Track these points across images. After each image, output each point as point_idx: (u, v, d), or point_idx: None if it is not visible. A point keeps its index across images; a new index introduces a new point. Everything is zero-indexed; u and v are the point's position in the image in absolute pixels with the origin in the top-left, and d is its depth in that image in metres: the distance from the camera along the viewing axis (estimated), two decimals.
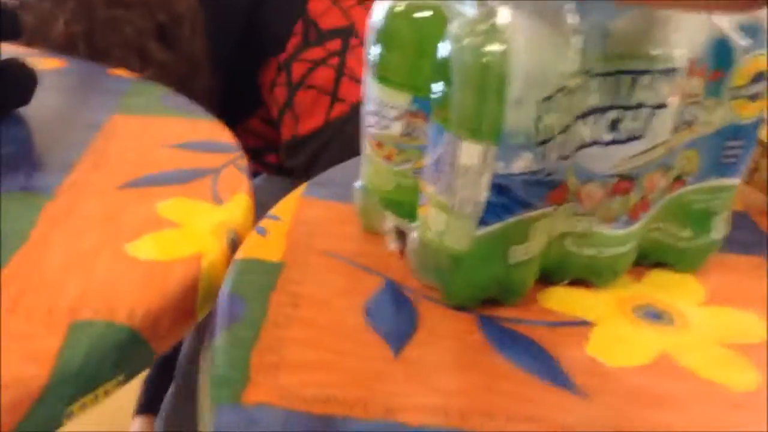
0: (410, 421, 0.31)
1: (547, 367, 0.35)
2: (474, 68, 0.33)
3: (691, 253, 0.44)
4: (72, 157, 0.50)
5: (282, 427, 0.30)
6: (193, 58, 0.84)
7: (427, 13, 0.38)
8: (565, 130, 0.35)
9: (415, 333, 0.36)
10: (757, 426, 0.33)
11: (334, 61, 0.84)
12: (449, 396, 0.33)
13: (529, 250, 0.37)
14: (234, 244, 0.43)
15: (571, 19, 0.34)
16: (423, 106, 0.39)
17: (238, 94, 0.92)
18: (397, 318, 0.37)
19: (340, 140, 0.84)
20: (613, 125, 0.37)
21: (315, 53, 0.84)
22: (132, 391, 1.18)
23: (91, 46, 0.78)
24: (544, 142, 0.34)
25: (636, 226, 0.40)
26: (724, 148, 0.41)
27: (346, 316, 0.37)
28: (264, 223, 0.45)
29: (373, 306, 0.38)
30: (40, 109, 0.58)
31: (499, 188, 0.35)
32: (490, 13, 0.33)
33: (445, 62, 0.34)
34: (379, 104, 0.41)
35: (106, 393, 0.34)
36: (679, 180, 0.41)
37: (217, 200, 0.47)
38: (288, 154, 0.89)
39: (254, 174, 1.06)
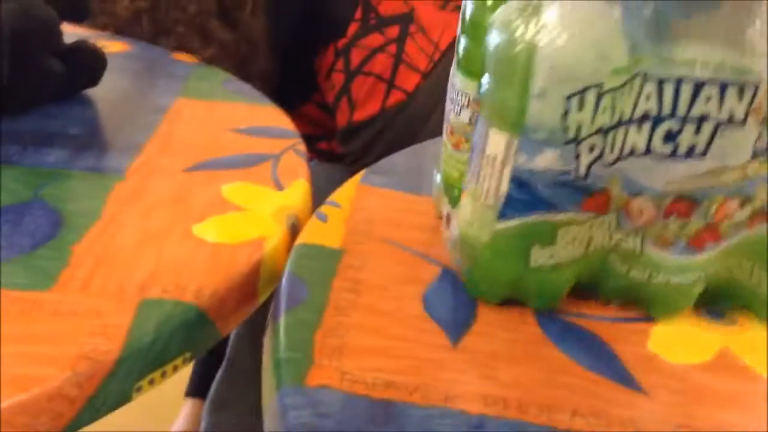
0: (469, 409, 0.31)
1: (606, 362, 0.35)
2: (502, 56, 0.32)
3: None
4: (139, 140, 0.52)
5: (342, 409, 0.30)
6: (252, 40, 0.86)
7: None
8: (607, 132, 0.33)
9: (473, 323, 0.37)
10: None
11: (393, 48, 0.84)
12: (508, 387, 0.33)
13: (555, 255, 0.35)
14: (294, 229, 0.44)
15: (620, 11, 0.32)
16: None
17: (295, 79, 0.93)
18: (455, 307, 0.38)
19: (394, 128, 0.85)
20: (670, 137, 0.33)
21: (374, 40, 0.85)
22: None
23: (154, 22, 0.80)
24: (573, 141, 0.32)
25: (700, 257, 0.36)
26: None
27: (405, 304, 0.37)
28: (324, 209, 0.45)
29: (432, 295, 0.38)
30: (106, 92, 0.60)
31: (519, 182, 0.34)
32: (530, 3, 0.32)
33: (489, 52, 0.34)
34: (456, 91, 0.41)
35: (175, 369, 0.35)
36: (762, 214, 0.36)
37: (278, 185, 0.48)
38: (343, 140, 0.90)
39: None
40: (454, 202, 0.41)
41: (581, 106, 0.32)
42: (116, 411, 0.33)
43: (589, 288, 0.38)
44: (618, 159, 0.34)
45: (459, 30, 0.41)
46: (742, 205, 0.35)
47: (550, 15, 0.32)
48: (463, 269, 0.38)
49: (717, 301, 0.39)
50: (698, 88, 0.32)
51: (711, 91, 0.32)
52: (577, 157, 0.33)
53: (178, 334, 0.35)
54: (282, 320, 0.35)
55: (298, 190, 0.47)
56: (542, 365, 0.34)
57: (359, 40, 0.85)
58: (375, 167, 0.52)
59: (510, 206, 0.34)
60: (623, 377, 0.34)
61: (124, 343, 0.33)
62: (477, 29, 0.38)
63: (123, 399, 0.33)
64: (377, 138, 0.86)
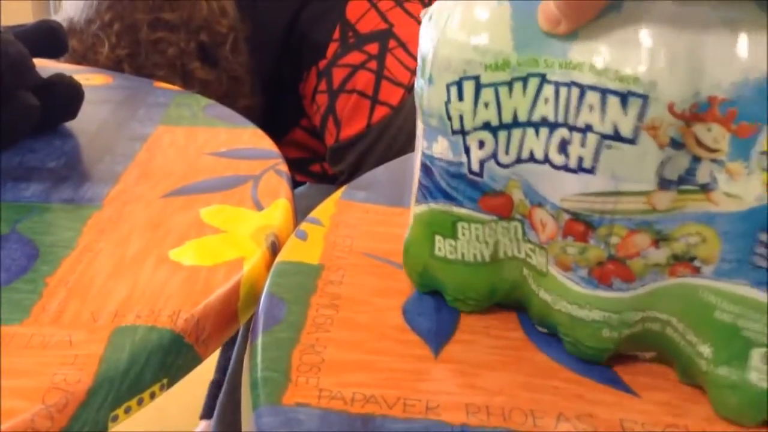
0: (451, 420, 0.31)
1: (593, 364, 0.34)
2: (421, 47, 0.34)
3: (717, 386, 0.31)
4: (118, 169, 0.52)
5: (319, 427, 0.30)
6: (234, 76, 0.86)
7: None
8: (497, 130, 0.32)
9: (455, 332, 0.36)
10: None
11: (373, 64, 0.84)
12: (491, 395, 0.32)
13: (457, 250, 0.35)
14: (275, 248, 0.43)
15: (510, 9, 0.31)
16: None
17: (281, 107, 0.93)
18: (436, 317, 0.37)
19: (383, 143, 0.84)
20: (563, 146, 0.31)
21: (354, 57, 0.85)
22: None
23: (135, 67, 0.80)
24: (459, 132, 0.33)
25: (608, 294, 0.32)
26: (757, 242, 0.29)
27: (385, 317, 0.37)
28: (303, 226, 0.45)
29: (412, 306, 0.38)
30: (87, 123, 0.59)
31: (425, 168, 0.35)
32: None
33: None
34: None
35: (152, 396, 0.35)
36: (687, 263, 0.31)
37: (258, 206, 0.47)
38: (333, 160, 0.89)
39: (300, 183, 1.06)
40: None
41: (460, 96, 0.32)
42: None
43: (510, 298, 0.37)
44: (517, 162, 0.33)
45: None
46: (656, 244, 0.31)
47: (455, 11, 0.32)
48: None
49: (660, 358, 0.34)
50: (583, 93, 0.30)
51: (593, 98, 0.29)
52: (467, 150, 0.33)
53: (154, 360, 0.34)
54: (259, 340, 0.34)
55: (278, 210, 0.47)
56: (527, 370, 0.34)
57: (340, 60, 0.85)
58: (356, 182, 0.51)
59: (420, 192, 0.35)
60: (610, 379, 0.33)
61: (97, 371, 0.32)
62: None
63: (98, 429, 0.32)
64: (367, 154, 0.85)
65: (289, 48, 0.89)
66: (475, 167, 0.33)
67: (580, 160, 0.30)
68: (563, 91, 0.30)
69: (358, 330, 0.36)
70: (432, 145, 0.34)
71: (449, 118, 0.33)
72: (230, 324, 0.39)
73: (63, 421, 0.31)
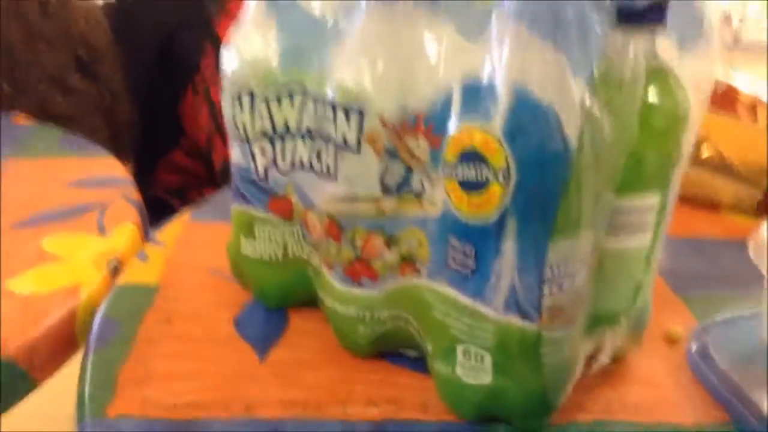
0: (269, 416, 0.33)
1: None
2: None
3: (437, 378, 0.33)
4: None
5: None
6: (114, 90, 0.86)
7: None
8: (273, 140, 0.36)
9: (281, 336, 0.38)
10: None
11: None
12: (309, 390, 0.35)
13: (257, 249, 0.38)
14: (117, 273, 0.45)
15: (275, 30, 0.35)
16: None
17: (161, 125, 0.94)
18: (266, 324, 0.39)
19: None
20: (318, 155, 0.34)
21: None
22: None
23: (14, 83, 0.79)
24: (246, 141, 0.36)
25: (360, 292, 0.35)
26: (450, 246, 0.30)
27: (217, 328, 0.39)
28: (146, 248, 0.46)
29: (245, 316, 0.40)
30: None
31: (233, 174, 0.38)
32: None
33: None
34: None
35: None
36: (411, 263, 0.33)
37: (102, 232, 0.48)
38: (224, 178, 0.90)
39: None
40: None
41: (242, 107, 0.35)
42: None
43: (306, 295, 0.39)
44: (291, 168, 0.36)
45: None
46: (388, 245, 0.33)
47: (243, 29, 0.36)
48: None
49: (402, 348, 0.37)
50: (324, 106, 0.33)
51: (329, 111, 0.33)
52: (253, 157, 0.36)
53: None
54: (89, 359, 0.36)
55: (122, 235, 0.48)
56: (345, 366, 0.37)
57: (217, 78, 0.87)
58: (203, 202, 0.53)
59: (233, 192, 0.39)
60: (421, 366, 0.37)
61: None
62: None
63: None
64: None
65: (164, 66, 0.91)
66: (261, 173, 0.37)
67: (328, 167, 0.34)
68: (318, 104, 0.33)
69: (189, 342, 0.38)
70: (232, 152, 0.37)
71: (236, 128, 0.36)
72: (69, 349, 0.40)
73: None
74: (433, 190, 0.31)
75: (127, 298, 0.41)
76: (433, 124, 0.30)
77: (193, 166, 0.97)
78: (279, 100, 0.35)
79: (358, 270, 0.34)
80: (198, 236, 0.48)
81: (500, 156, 0.27)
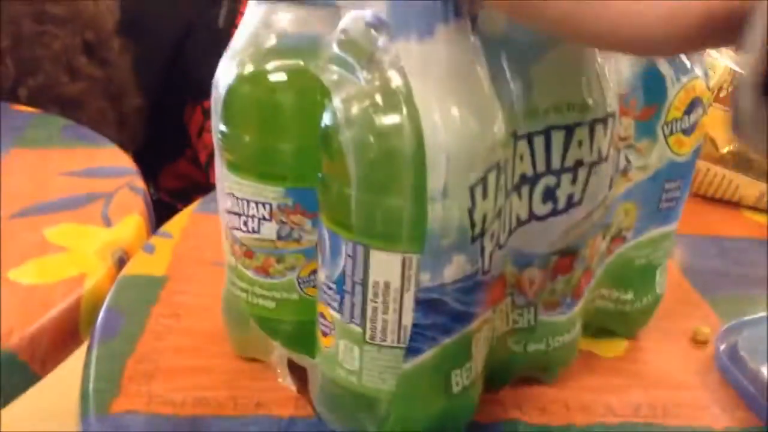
0: (280, 414, 0.32)
1: None
2: (378, 155, 0.24)
3: (635, 316, 0.38)
4: None
5: (148, 431, 0.30)
6: (122, 78, 0.84)
7: (283, 76, 0.28)
8: (500, 213, 0.27)
9: None
10: None
11: None
12: None
13: (473, 371, 0.29)
14: (122, 264, 0.43)
15: (480, 67, 0.26)
16: (301, 198, 0.29)
17: (168, 131, 0.92)
18: None
19: None
20: (549, 194, 0.29)
21: None
22: None
23: (18, 61, 0.78)
24: (479, 236, 0.26)
25: (580, 305, 0.33)
26: (664, 191, 0.35)
27: None
28: (153, 240, 0.45)
29: None
30: None
31: (428, 305, 0.26)
32: (387, 77, 0.25)
33: (331, 144, 0.25)
34: (241, 202, 0.30)
35: None
36: (618, 238, 0.35)
37: (107, 222, 0.47)
38: None
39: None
40: (296, 340, 0.32)
41: (485, 193, 0.26)
42: None
43: (488, 380, 0.32)
44: (508, 235, 0.29)
45: (213, 112, 0.31)
46: (604, 237, 0.34)
47: (419, 91, 0.24)
48: (360, 428, 0.29)
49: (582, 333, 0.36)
50: (570, 133, 0.28)
51: (582, 133, 0.28)
52: (482, 251, 0.27)
53: None
54: (94, 353, 0.35)
55: (128, 226, 0.47)
56: None
57: None
58: (211, 195, 0.52)
59: (420, 338, 0.27)
60: None
61: None
62: (239, 110, 0.30)
63: None
64: None
65: (172, 77, 0.89)
66: (488, 265, 0.28)
67: (570, 197, 0.29)
68: (539, 140, 0.28)
69: (197, 337, 0.36)
70: (441, 273, 0.26)
71: (473, 227, 0.26)
72: (72, 341, 0.39)
73: None
74: (641, 157, 0.33)
75: (133, 290, 0.39)
76: (636, 99, 0.32)
77: (197, 174, 0.96)
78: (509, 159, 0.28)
79: (582, 283, 0.33)
80: (204, 229, 0.47)
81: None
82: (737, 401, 0.34)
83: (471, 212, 0.25)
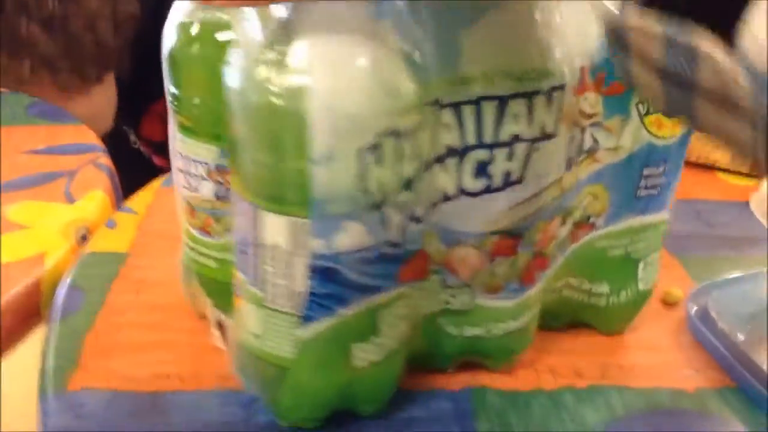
0: (240, 387, 0.31)
1: None
2: (262, 113, 0.24)
3: (613, 312, 0.35)
4: None
5: (105, 408, 0.29)
6: (90, 13, 0.82)
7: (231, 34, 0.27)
8: (409, 183, 0.26)
9: None
10: None
11: None
12: None
13: (383, 347, 0.28)
14: (85, 241, 0.42)
15: (395, 35, 0.24)
16: None
17: (154, 62, 0.90)
18: None
19: None
20: (481, 169, 0.27)
21: None
22: None
23: None
24: (379, 206, 0.25)
25: (533, 292, 0.31)
26: (643, 177, 0.32)
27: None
28: (115, 216, 0.44)
29: None
30: None
31: (323, 273, 0.25)
32: (283, 36, 0.24)
33: (226, 104, 0.25)
34: (186, 160, 0.30)
35: None
36: (584, 224, 0.32)
37: (70, 199, 0.46)
38: None
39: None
40: (225, 306, 0.31)
41: (380, 160, 0.24)
42: None
43: (421, 360, 0.31)
44: (430, 209, 0.27)
45: (164, 71, 0.31)
46: (564, 220, 0.31)
47: (307, 49, 0.23)
48: (264, 396, 0.29)
49: (552, 324, 0.35)
50: (503, 104, 0.26)
51: (518, 106, 0.26)
52: (385, 222, 0.25)
53: None
54: (53, 330, 0.34)
55: (91, 202, 0.46)
56: None
57: None
58: None
59: (316, 306, 0.26)
60: None
61: None
62: (185, 68, 0.30)
63: None
64: None
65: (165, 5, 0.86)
66: (398, 237, 0.27)
67: (507, 175, 0.27)
68: (468, 110, 0.26)
69: (158, 312, 0.36)
70: (333, 240, 0.25)
71: (366, 193, 0.25)
72: (33, 318, 0.38)
73: None
74: (611, 137, 0.30)
75: (95, 267, 0.39)
76: (604, 72, 0.28)
77: None
78: (421, 128, 0.26)
79: (533, 269, 0.30)
80: (170, 204, 0.46)
81: None
82: (709, 362, 0.34)
83: (362, 179, 0.24)
